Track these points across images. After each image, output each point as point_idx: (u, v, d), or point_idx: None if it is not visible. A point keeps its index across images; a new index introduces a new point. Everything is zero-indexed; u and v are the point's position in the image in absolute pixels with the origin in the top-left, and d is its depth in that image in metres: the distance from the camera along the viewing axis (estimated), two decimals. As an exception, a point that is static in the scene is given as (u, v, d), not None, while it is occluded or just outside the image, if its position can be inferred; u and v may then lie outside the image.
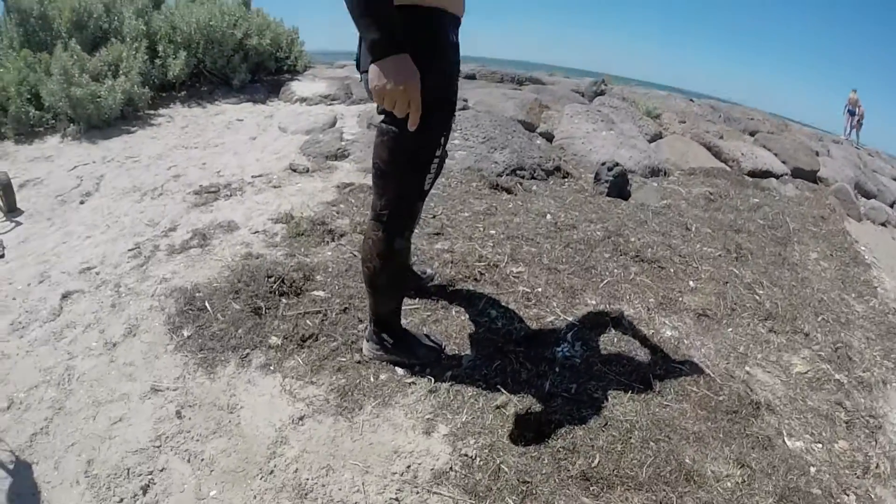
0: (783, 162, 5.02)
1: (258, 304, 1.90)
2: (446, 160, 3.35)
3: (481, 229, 2.60)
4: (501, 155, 3.49)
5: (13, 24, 5.13)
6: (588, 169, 3.96)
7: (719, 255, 2.80)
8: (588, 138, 4.23)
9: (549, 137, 4.36)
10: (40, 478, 1.39)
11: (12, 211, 3.37)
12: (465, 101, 4.65)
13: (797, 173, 4.97)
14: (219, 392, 1.64)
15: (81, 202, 3.39)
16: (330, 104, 5.17)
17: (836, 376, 2.04)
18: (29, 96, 4.78)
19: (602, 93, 6.26)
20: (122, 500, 1.33)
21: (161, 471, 1.40)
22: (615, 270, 2.43)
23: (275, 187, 3.14)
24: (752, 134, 6.06)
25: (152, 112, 5.40)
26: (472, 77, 6.25)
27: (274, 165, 3.56)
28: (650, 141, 4.84)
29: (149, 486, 1.36)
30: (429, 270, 2.07)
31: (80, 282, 2.26)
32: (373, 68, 1.01)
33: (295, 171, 3.37)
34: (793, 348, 2.18)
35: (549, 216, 2.90)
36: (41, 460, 1.45)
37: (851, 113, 12.52)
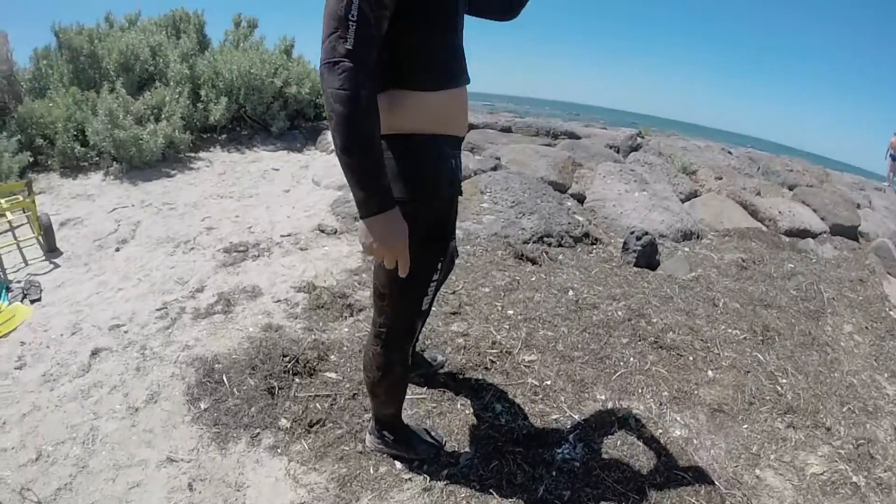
0: (822, 218, 5.06)
1: (272, 384, 2.08)
2: (474, 225, 3.57)
3: (499, 308, 2.74)
4: (529, 221, 3.67)
5: (64, 60, 5.73)
6: (618, 233, 4.08)
7: (744, 339, 2.80)
8: (620, 200, 4.38)
9: (580, 199, 4.53)
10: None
11: (52, 251, 3.73)
12: (498, 159, 4.90)
13: (836, 230, 4.98)
14: (229, 468, 1.80)
15: (117, 249, 3.73)
16: None
17: (854, 478, 2.03)
18: (75, 133, 5.30)
19: (638, 147, 6.47)
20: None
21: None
22: (631, 360, 2.50)
23: (302, 249, 3.39)
24: (790, 188, 6.15)
25: (192, 155, 5.86)
26: (507, 130, 6.55)
27: (304, 224, 3.83)
28: (685, 200, 4.96)
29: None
30: (440, 357, 2.21)
31: (110, 339, 2.51)
32: (360, 225, 1.07)
33: (323, 231, 3.62)
34: (811, 445, 2.17)
35: (571, 292, 3.01)
36: (71, 498, 1.64)
37: (894, 158, 12.17)
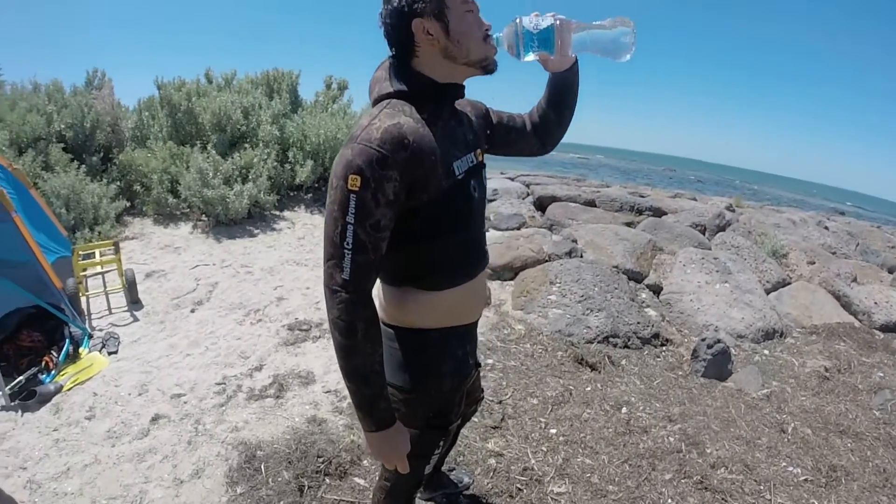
0: (927, 310, 4.81)
1: (303, 482, 2.48)
2: (539, 319, 3.90)
3: (543, 426, 2.98)
4: (596, 318, 3.95)
5: (164, 113, 7.14)
6: (693, 331, 4.24)
7: (805, 480, 2.73)
8: (698, 294, 4.57)
9: (656, 290, 4.80)
10: None
11: (135, 302, 4.66)
12: (575, 242, 5.28)
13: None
14: (250, 561, 2.26)
15: (192, 310, 4.55)
16: None
17: None
18: (169, 184, 6.54)
19: (726, 226, 6.63)
20: None
21: None
22: (668, 502, 2.54)
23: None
24: (890, 271, 6.06)
25: (277, 213, 6.88)
26: (590, 204, 6.94)
27: None
28: (772, 289, 5.08)
29: None
30: (466, 479, 2.51)
31: (170, 407, 3.15)
32: (364, 434, 1.27)
33: None
34: None
35: (625, 409, 3.17)
36: None
37: None
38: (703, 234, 6.31)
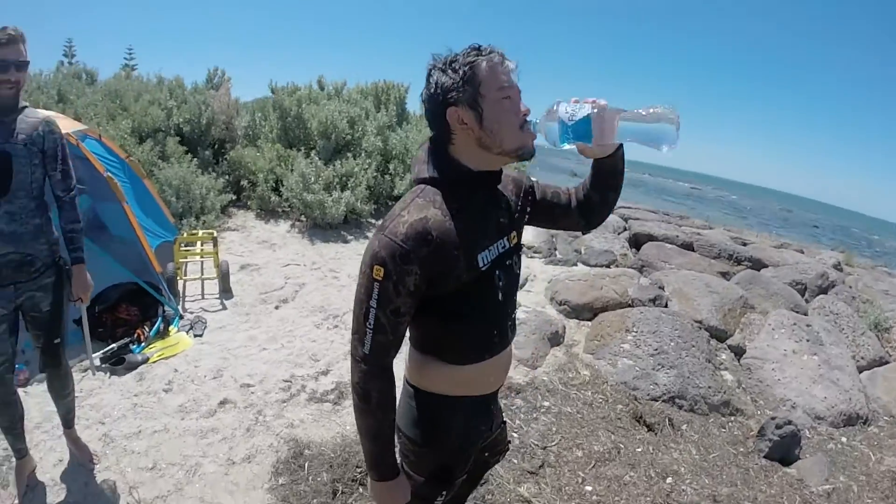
0: None
1: (338, 487, 2.72)
2: (608, 366, 3.94)
3: (580, 481, 2.97)
4: (666, 376, 3.87)
5: (275, 116, 7.89)
6: (768, 404, 4.03)
7: None
8: (782, 364, 4.33)
9: (738, 352, 4.59)
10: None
11: (226, 291, 5.24)
12: (662, 288, 5.20)
13: None
14: (280, 548, 2.55)
15: (276, 307, 5.03)
16: (531, 256, 6.31)
17: None
18: (273, 184, 7.24)
19: (830, 287, 6.22)
20: None
21: None
22: None
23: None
24: None
25: (372, 221, 7.37)
26: (688, 247, 6.74)
27: None
28: (865, 368, 4.76)
29: None
30: None
31: (238, 394, 3.55)
32: (370, 482, 1.46)
33: None
34: None
35: (669, 480, 3.09)
36: None
37: None
38: (803, 293, 5.94)
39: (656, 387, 3.86)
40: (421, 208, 1.27)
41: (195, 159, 6.98)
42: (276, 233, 7.00)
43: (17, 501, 2.55)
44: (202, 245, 5.43)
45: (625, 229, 7.75)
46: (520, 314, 4.56)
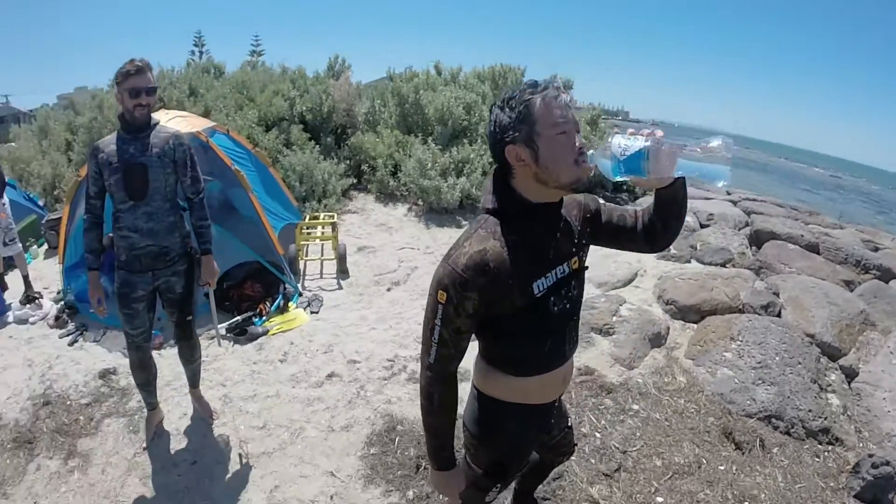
0: None
1: (421, 462, 2.93)
2: (706, 375, 3.80)
3: (652, 490, 2.89)
4: (765, 393, 3.58)
5: (394, 103, 8.23)
6: (872, 437, 3.53)
7: None
8: (895, 394, 3.87)
9: (850, 374, 4.10)
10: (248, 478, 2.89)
11: (343, 272, 5.68)
12: (776, 294, 4.83)
13: None
14: (362, 501, 2.82)
15: (388, 289, 5.37)
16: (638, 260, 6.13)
17: None
18: (392, 168, 7.63)
19: None
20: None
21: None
22: None
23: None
24: None
25: None
26: (813, 249, 6.12)
27: None
28: None
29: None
30: None
31: (345, 369, 3.88)
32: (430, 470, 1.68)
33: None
34: None
35: None
36: (255, 469, 2.95)
37: None
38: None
39: (753, 402, 3.66)
40: (482, 240, 1.40)
41: (318, 146, 7.54)
42: (393, 216, 7.41)
43: (145, 445, 3.06)
44: (322, 229, 5.91)
45: (746, 224, 7.21)
46: (623, 311, 4.58)
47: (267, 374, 3.80)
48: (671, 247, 6.31)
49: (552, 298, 1.49)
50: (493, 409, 1.66)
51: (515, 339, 1.53)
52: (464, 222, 7.18)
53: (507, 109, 1.38)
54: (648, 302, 4.95)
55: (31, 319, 4.69)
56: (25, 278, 5.11)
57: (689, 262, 5.92)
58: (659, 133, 1.30)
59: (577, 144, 1.37)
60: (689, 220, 6.97)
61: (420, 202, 7.35)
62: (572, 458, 2.88)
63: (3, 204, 4.99)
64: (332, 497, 2.75)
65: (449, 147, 7.55)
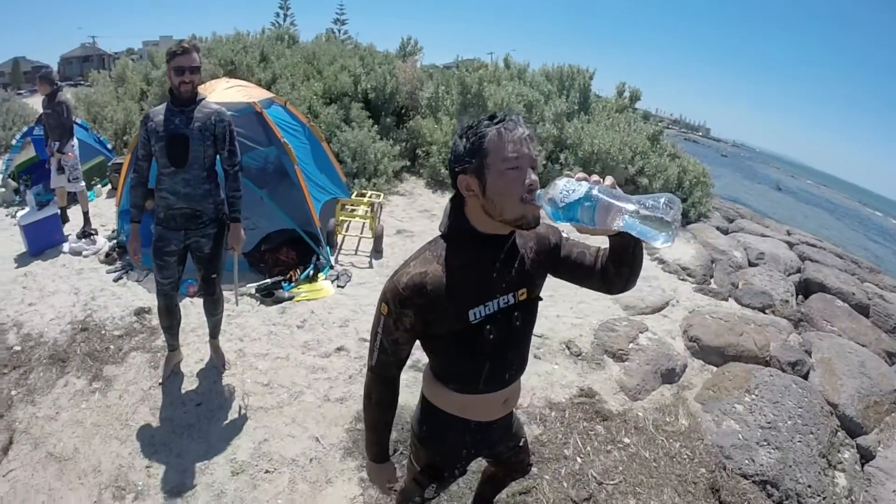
0: None
1: (398, 447, 3.13)
2: (710, 424, 3.81)
3: None
4: (767, 457, 3.55)
5: (456, 91, 8.50)
6: None
7: None
8: None
9: (866, 455, 3.81)
10: (242, 427, 3.29)
11: (378, 251, 6.04)
12: (808, 352, 4.65)
13: None
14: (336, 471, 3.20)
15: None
16: (682, 278, 6.24)
17: None
18: (446, 156, 7.93)
19: None
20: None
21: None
22: None
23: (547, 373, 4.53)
24: None
25: None
26: (862, 310, 5.79)
27: (580, 335, 4.76)
28: None
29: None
30: None
31: (355, 345, 4.18)
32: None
33: (578, 356, 4.39)
34: None
35: None
36: (250, 421, 3.33)
37: None
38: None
39: (752, 463, 3.58)
40: (425, 262, 1.51)
41: (376, 125, 7.92)
42: (439, 204, 7.69)
43: (160, 381, 3.54)
44: (363, 208, 6.28)
45: (798, 270, 6.85)
46: (642, 339, 4.63)
47: (283, 336, 4.21)
48: (713, 279, 6.40)
49: (489, 326, 1.56)
50: (433, 417, 1.78)
51: (452, 358, 1.65)
52: None
53: (463, 139, 1.45)
54: (672, 334, 5.00)
55: (84, 252, 5.30)
56: (85, 214, 5.72)
57: (726, 299, 5.94)
58: (607, 181, 1.30)
59: (527, 181, 1.39)
60: (738, 255, 7.01)
61: None
62: (545, 476, 3.17)
63: (73, 145, 5.62)
64: (311, 460, 3.08)
65: None
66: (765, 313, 5.64)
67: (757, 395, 4.04)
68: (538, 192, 1.37)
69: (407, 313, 1.50)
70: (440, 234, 1.58)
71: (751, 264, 6.99)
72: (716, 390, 4.18)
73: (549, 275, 1.72)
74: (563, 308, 5.19)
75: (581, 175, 1.33)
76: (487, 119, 1.44)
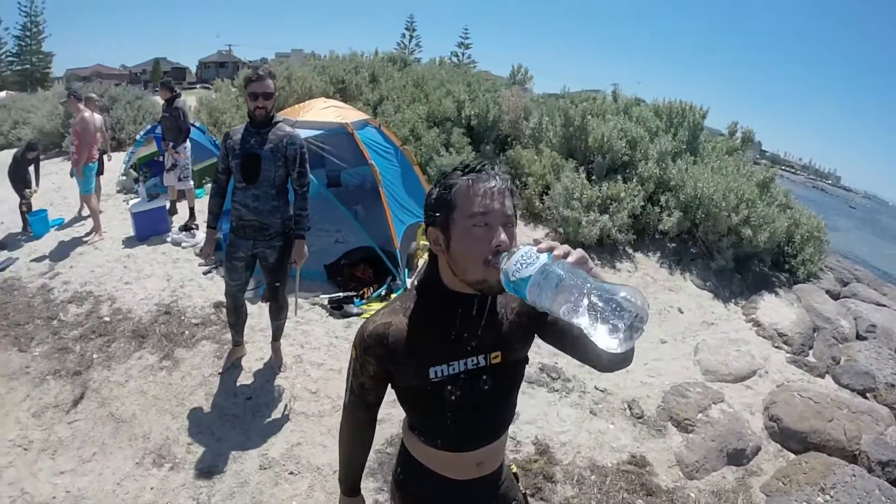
0: None
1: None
2: None
3: None
4: None
5: (560, 123, 8.63)
6: None
7: None
8: None
9: None
10: (281, 428, 3.65)
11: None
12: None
13: None
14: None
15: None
16: (776, 345, 5.83)
17: None
18: (542, 189, 8.05)
19: None
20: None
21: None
22: None
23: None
24: None
25: (629, 251, 7.53)
26: None
27: (647, 395, 4.66)
28: None
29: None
30: None
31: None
32: None
33: (639, 418, 4.29)
34: None
35: None
36: (289, 423, 3.70)
37: None
38: None
39: None
40: (392, 313, 1.52)
41: (476, 152, 8.27)
42: (528, 238, 7.73)
43: (220, 371, 4.05)
44: None
45: None
46: (714, 411, 4.36)
47: (341, 350, 4.57)
48: (808, 352, 5.96)
49: (449, 387, 1.52)
50: (407, 463, 1.74)
51: (416, 411, 1.62)
52: (596, 261, 7.36)
53: (437, 189, 1.40)
54: (752, 409, 4.69)
55: (183, 244, 6.05)
56: (191, 210, 6.55)
57: (822, 376, 5.49)
58: (571, 257, 1.10)
59: (495, 241, 1.30)
60: (845, 325, 6.43)
61: (560, 230, 7.70)
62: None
63: (185, 147, 6.47)
64: (335, 472, 3.32)
65: (604, 180, 7.82)
66: (864, 397, 5.16)
67: (832, 497, 3.68)
68: (503, 255, 1.24)
69: (370, 360, 1.52)
70: (413, 285, 1.57)
71: (859, 337, 6.42)
72: (787, 482, 3.85)
73: (538, 338, 1.63)
74: (636, 363, 4.83)
75: (545, 245, 1.14)
76: (460, 169, 1.39)
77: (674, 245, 7.65)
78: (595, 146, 8.08)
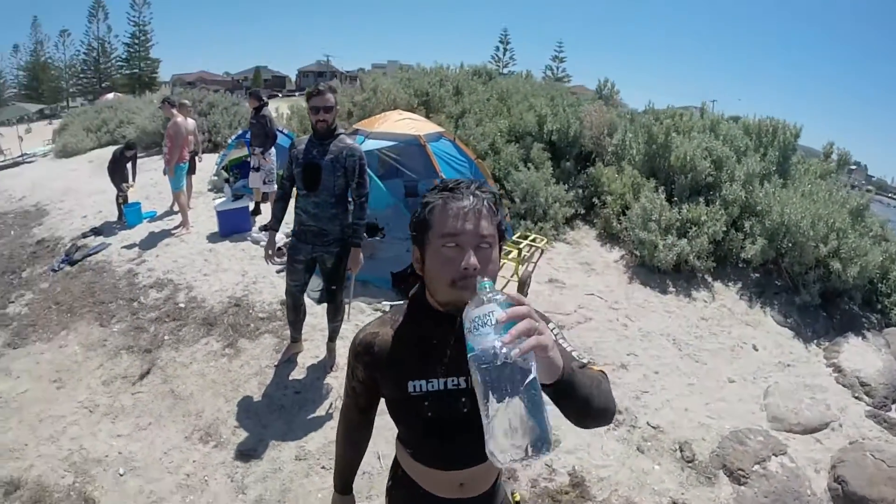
0: None
1: None
2: None
3: None
4: None
5: (642, 142, 8.51)
6: None
7: None
8: None
9: None
10: (322, 424, 3.88)
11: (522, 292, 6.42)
12: None
13: None
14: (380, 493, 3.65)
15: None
16: (857, 395, 5.32)
17: None
18: (620, 207, 7.96)
19: None
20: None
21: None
22: None
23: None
24: None
25: (708, 279, 7.24)
26: None
27: (702, 438, 4.51)
28: None
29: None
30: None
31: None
32: None
33: (689, 462, 4.06)
34: None
35: None
36: (331, 421, 3.93)
37: None
38: None
39: None
40: (382, 323, 1.59)
41: (556, 168, 8.32)
42: (603, 259, 7.74)
43: (276, 364, 4.37)
44: (520, 255, 6.32)
45: None
46: (772, 465, 4.12)
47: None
48: (892, 406, 5.46)
49: (426, 403, 1.50)
50: (395, 472, 1.80)
51: (398, 422, 1.65)
52: (671, 289, 7.07)
53: (419, 206, 1.42)
54: (817, 466, 4.30)
55: (261, 243, 6.52)
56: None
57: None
58: (525, 345, 1.00)
59: (465, 264, 1.29)
60: None
61: (636, 252, 7.48)
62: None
63: (270, 153, 7.00)
64: (364, 473, 3.53)
65: (685, 202, 7.60)
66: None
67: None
68: (480, 280, 1.16)
69: (359, 366, 1.59)
70: (408, 297, 1.60)
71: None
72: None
73: None
74: (698, 402, 4.87)
75: (509, 312, 1.04)
76: (439, 187, 1.41)
77: (757, 276, 7.33)
78: (677, 165, 7.93)
